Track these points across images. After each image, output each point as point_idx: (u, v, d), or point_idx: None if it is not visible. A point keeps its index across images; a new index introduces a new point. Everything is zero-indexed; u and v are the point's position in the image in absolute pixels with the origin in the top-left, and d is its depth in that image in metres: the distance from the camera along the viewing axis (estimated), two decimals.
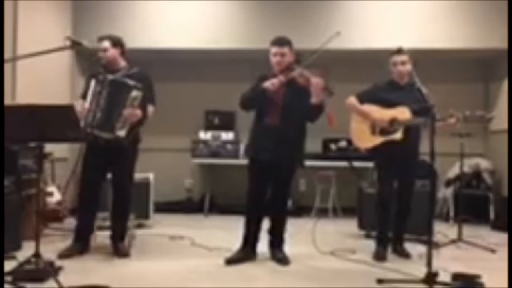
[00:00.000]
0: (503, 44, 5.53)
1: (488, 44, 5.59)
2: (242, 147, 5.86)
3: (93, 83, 3.59)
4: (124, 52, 3.79)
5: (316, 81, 3.38)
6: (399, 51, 3.83)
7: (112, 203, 3.81)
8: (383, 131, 3.79)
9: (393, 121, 3.75)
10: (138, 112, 3.60)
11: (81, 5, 5.75)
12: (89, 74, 3.74)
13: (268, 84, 3.44)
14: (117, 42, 3.76)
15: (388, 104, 3.80)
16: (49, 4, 5.30)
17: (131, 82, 3.58)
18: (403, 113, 3.74)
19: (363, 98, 3.90)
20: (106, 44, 3.71)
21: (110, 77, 3.59)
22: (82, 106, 3.56)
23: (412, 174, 3.91)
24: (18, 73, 4.50)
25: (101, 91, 3.55)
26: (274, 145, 3.50)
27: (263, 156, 3.52)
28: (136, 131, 3.76)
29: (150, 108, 3.78)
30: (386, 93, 3.85)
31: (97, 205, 3.81)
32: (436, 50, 5.56)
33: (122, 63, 3.78)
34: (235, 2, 5.80)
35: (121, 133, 3.56)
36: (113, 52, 3.71)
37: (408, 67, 3.78)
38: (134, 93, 3.56)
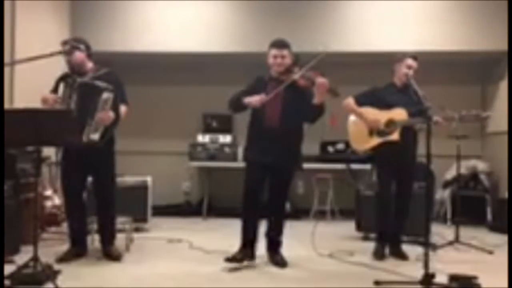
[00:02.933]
0: (500, 46, 5.56)
1: (485, 46, 5.62)
2: (240, 150, 5.86)
3: (62, 86, 3.54)
4: (90, 54, 3.72)
5: (321, 82, 3.38)
6: (415, 57, 3.87)
7: (96, 206, 3.77)
8: (381, 132, 3.83)
9: (389, 123, 3.79)
10: (111, 115, 3.53)
11: (79, 6, 5.76)
12: (58, 77, 3.69)
13: (250, 100, 3.49)
14: (84, 45, 3.68)
15: (387, 106, 3.83)
16: (47, 4, 5.30)
17: (101, 84, 3.53)
18: (399, 114, 3.77)
19: (362, 100, 3.92)
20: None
21: (79, 80, 3.54)
22: (54, 98, 3.49)
23: (411, 175, 3.93)
24: (16, 77, 4.51)
25: (70, 95, 3.49)
26: (274, 148, 3.51)
27: (264, 159, 3.53)
28: (110, 133, 3.71)
29: (123, 108, 3.73)
30: (386, 95, 3.89)
31: (84, 208, 3.79)
32: (433, 52, 5.58)
33: (89, 65, 3.72)
34: (234, 6, 5.81)
35: (95, 136, 3.50)
36: (80, 56, 3.64)
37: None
38: (105, 95, 3.50)
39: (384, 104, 3.84)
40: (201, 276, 3.38)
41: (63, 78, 3.63)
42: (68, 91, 3.51)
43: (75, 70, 3.65)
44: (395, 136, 3.76)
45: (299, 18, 5.69)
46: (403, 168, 3.89)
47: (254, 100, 3.48)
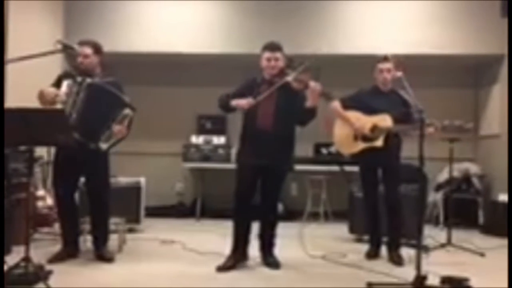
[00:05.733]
0: (493, 50, 5.60)
1: (477, 49, 5.65)
2: (233, 152, 5.86)
3: (66, 82, 3.54)
4: (102, 60, 3.76)
5: (314, 86, 3.40)
6: (385, 58, 3.90)
7: (90, 208, 3.76)
8: (365, 138, 3.87)
9: (374, 129, 3.83)
10: (126, 131, 3.59)
11: (73, 6, 5.74)
12: (61, 74, 3.69)
13: (238, 103, 3.50)
14: (98, 50, 3.73)
15: (371, 110, 3.87)
16: (40, 4, 5.27)
17: (126, 99, 3.59)
18: (384, 120, 3.80)
19: (347, 103, 3.97)
20: (88, 50, 3.66)
21: (88, 80, 3.56)
22: (55, 92, 3.48)
23: (396, 177, 3.93)
24: (8, 76, 4.47)
25: (78, 92, 3.51)
26: (267, 150, 3.51)
27: (256, 161, 3.53)
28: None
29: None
30: (369, 99, 3.93)
31: (76, 208, 3.78)
32: (425, 56, 5.62)
33: (98, 69, 3.75)
34: (229, 7, 5.81)
35: (104, 146, 3.54)
36: (93, 59, 3.67)
37: (393, 74, 3.82)
38: (127, 111, 3.56)
39: (367, 107, 3.88)
40: (194, 277, 3.37)
41: (67, 76, 3.62)
42: (76, 88, 3.52)
43: (83, 72, 3.65)
44: (379, 142, 3.80)
45: (294, 20, 5.70)
46: (387, 170, 3.92)
47: (241, 103, 3.50)
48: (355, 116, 3.91)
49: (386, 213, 3.92)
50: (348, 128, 3.93)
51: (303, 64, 3.46)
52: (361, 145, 3.88)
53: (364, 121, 3.87)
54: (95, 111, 3.50)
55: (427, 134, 3.61)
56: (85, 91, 3.52)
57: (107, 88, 3.58)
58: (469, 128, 3.59)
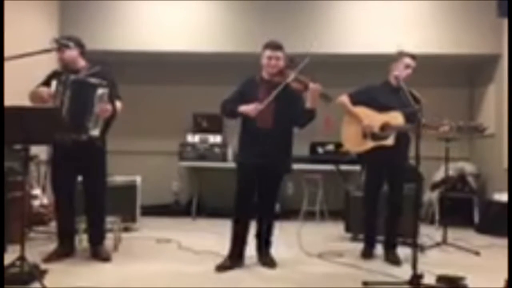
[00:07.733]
0: (488, 49, 5.62)
1: (473, 49, 5.67)
2: (230, 151, 5.87)
3: (54, 83, 3.54)
4: (83, 52, 3.74)
5: (314, 87, 3.38)
6: (414, 57, 3.84)
7: (85, 207, 3.75)
8: (375, 136, 3.76)
9: (385, 127, 3.73)
10: (109, 107, 3.57)
11: (69, 5, 5.72)
12: (49, 74, 3.69)
13: (245, 110, 3.46)
14: (75, 43, 3.70)
15: (381, 106, 3.76)
16: (36, 4, 5.25)
17: (94, 81, 3.56)
18: (396, 118, 3.69)
19: (356, 98, 3.86)
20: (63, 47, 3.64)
21: (72, 77, 3.54)
22: (49, 92, 3.49)
23: (401, 178, 3.88)
24: (3, 75, 4.45)
25: (64, 91, 3.49)
26: (267, 149, 3.50)
27: (256, 160, 3.52)
28: (109, 127, 3.72)
29: (118, 104, 3.74)
30: (379, 95, 3.82)
31: (74, 207, 3.76)
32: (420, 55, 5.59)
33: (82, 62, 3.72)
34: (225, 6, 5.80)
35: (95, 132, 3.53)
36: (71, 53, 3.65)
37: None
38: (100, 91, 3.53)
39: (376, 103, 3.77)
40: (190, 276, 3.37)
41: (55, 75, 3.61)
42: (62, 87, 3.50)
43: (67, 68, 3.64)
44: (390, 141, 3.70)
45: (291, 19, 5.70)
46: (395, 169, 3.84)
47: (249, 110, 3.44)
48: (364, 113, 3.79)
49: (387, 212, 3.88)
50: (356, 125, 3.81)
51: (303, 62, 3.43)
52: (370, 143, 3.77)
53: (374, 118, 3.75)
54: (84, 105, 3.49)
55: (441, 133, 3.59)
56: (70, 88, 3.50)
57: (87, 81, 3.56)
58: (485, 129, 3.58)
